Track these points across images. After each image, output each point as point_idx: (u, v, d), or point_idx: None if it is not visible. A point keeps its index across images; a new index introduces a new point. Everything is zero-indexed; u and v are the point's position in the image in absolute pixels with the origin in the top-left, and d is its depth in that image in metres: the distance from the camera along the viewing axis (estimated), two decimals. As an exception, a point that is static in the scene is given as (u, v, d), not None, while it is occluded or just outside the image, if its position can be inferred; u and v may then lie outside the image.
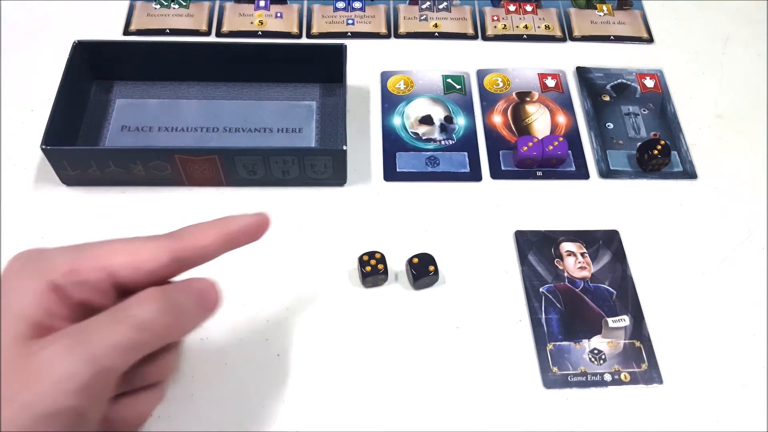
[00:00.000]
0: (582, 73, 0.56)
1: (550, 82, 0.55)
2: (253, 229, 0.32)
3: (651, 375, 0.40)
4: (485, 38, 0.58)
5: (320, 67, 0.50)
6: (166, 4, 0.58)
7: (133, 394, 0.31)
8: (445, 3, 0.60)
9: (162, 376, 0.32)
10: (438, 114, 0.52)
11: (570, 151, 0.50)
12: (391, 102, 0.53)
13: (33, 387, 0.26)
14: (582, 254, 0.45)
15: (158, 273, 0.30)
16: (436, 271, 0.42)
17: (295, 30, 0.57)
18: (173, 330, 0.30)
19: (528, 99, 0.54)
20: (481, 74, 0.55)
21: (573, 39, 0.59)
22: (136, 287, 0.30)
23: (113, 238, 0.30)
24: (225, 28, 0.57)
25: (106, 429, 0.29)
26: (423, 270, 0.42)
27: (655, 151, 0.48)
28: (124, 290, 0.30)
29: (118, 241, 0.30)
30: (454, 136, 0.51)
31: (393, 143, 0.50)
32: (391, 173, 0.49)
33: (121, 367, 0.28)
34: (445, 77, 0.55)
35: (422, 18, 0.59)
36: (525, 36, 0.58)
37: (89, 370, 0.26)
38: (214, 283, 0.31)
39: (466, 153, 0.50)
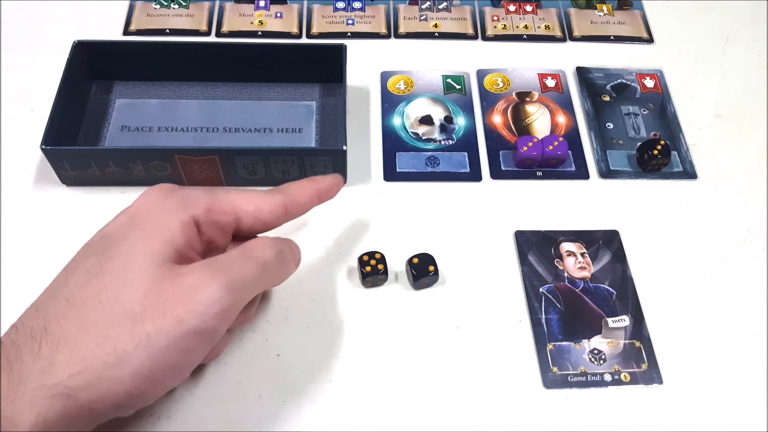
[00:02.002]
0: (582, 73, 0.56)
1: (550, 82, 0.55)
2: (333, 188, 0.39)
3: (651, 375, 0.40)
4: (485, 38, 0.58)
5: (320, 67, 0.50)
6: (166, 4, 0.58)
7: None
8: (445, 3, 0.60)
9: (239, 323, 0.35)
10: (438, 114, 0.52)
11: (570, 151, 0.50)
12: (391, 102, 0.53)
13: (186, 305, 0.29)
14: (582, 254, 0.45)
15: (270, 224, 0.35)
16: (436, 271, 0.42)
17: (295, 30, 0.57)
18: (279, 275, 0.35)
19: (528, 99, 0.54)
20: (481, 74, 0.55)
21: (573, 39, 0.59)
22: (248, 234, 0.35)
23: (237, 189, 0.34)
24: (225, 28, 0.57)
25: None
26: (423, 270, 0.42)
27: (655, 151, 0.48)
28: (237, 236, 0.35)
29: (243, 192, 0.34)
30: (454, 136, 0.51)
31: (393, 143, 0.50)
32: (391, 173, 0.49)
33: (246, 300, 0.32)
34: (445, 77, 0.55)
35: (422, 18, 0.59)
36: (525, 36, 0.58)
37: (229, 297, 0.30)
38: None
39: (466, 153, 0.50)
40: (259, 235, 0.36)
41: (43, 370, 0.27)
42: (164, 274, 0.29)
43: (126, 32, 0.56)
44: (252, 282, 0.32)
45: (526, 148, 0.48)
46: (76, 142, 0.48)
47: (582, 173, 0.50)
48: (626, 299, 0.43)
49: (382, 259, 0.42)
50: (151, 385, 0.29)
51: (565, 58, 0.57)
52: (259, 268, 0.32)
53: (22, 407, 0.26)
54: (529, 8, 0.60)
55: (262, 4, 0.59)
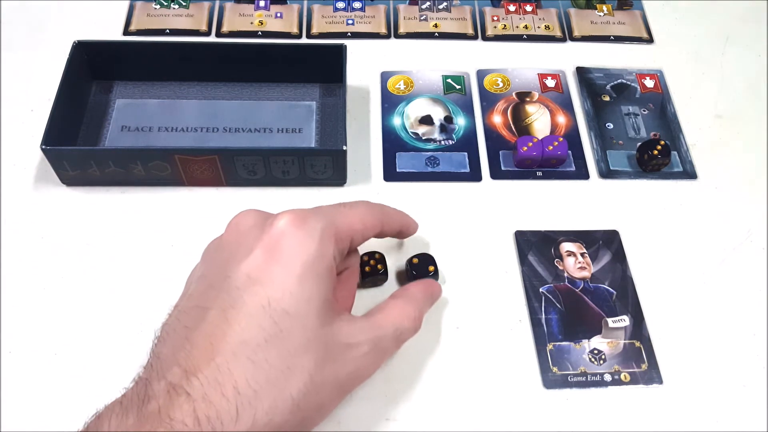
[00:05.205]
0: (582, 73, 0.56)
1: (550, 82, 0.55)
2: (411, 229, 0.41)
3: (651, 375, 0.40)
4: (485, 38, 0.58)
5: (320, 67, 0.50)
6: (166, 4, 0.58)
7: None
8: (445, 3, 0.60)
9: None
10: (438, 114, 0.52)
11: (570, 151, 0.50)
12: (391, 102, 0.53)
13: (341, 365, 0.32)
14: (582, 254, 0.45)
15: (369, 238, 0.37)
16: (436, 271, 0.42)
17: (295, 30, 0.57)
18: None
19: (528, 99, 0.54)
20: (481, 74, 0.55)
21: (573, 39, 0.59)
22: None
23: (349, 205, 0.36)
24: (225, 28, 0.57)
25: None
26: (423, 270, 0.42)
27: (655, 152, 0.48)
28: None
29: (350, 208, 0.36)
30: (454, 136, 0.51)
31: (393, 143, 0.50)
32: (391, 173, 0.49)
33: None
34: (445, 77, 0.55)
35: (422, 18, 0.59)
36: (525, 36, 0.58)
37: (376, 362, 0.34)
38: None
39: (466, 153, 0.50)
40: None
41: None
42: (330, 338, 0.31)
43: (126, 32, 0.56)
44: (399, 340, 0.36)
45: (526, 148, 0.48)
46: (76, 142, 0.48)
47: (582, 173, 0.50)
48: (626, 299, 0.43)
49: (382, 259, 0.42)
50: None
51: (565, 58, 0.57)
52: (399, 343, 0.36)
53: None
54: (529, 8, 0.60)
55: (262, 4, 0.59)
